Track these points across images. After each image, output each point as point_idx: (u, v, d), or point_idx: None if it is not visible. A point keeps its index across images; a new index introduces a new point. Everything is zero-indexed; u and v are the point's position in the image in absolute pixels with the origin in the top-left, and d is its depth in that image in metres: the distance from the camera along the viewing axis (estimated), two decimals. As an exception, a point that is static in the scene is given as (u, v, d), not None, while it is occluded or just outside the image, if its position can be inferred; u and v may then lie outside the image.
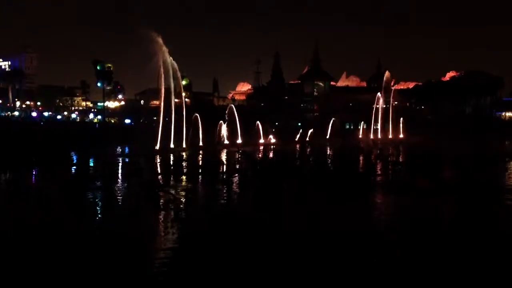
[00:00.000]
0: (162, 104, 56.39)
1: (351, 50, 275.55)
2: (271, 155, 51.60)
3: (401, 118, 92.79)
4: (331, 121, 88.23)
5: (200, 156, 47.13)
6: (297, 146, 67.98)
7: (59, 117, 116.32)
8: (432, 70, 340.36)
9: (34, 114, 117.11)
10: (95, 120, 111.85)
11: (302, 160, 46.27)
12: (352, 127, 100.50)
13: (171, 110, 56.95)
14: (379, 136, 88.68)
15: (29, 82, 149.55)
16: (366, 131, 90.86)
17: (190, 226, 18.15)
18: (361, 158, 46.86)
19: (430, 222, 19.06)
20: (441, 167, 37.70)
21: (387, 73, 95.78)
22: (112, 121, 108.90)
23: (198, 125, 61.98)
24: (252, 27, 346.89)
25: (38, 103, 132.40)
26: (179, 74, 58.25)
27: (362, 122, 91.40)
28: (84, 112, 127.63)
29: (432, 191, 25.08)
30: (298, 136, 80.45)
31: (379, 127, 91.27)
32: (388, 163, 40.18)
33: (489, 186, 28.71)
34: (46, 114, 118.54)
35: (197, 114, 61.63)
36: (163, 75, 55.08)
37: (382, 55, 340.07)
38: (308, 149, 61.47)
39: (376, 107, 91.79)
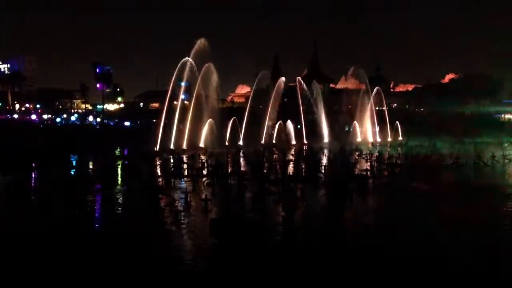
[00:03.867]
0: (165, 106, 60.26)
1: (350, 53, 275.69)
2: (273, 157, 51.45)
3: (400, 120, 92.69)
4: (327, 123, 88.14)
5: (200, 157, 47.02)
6: (294, 148, 67.90)
7: (58, 119, 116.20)
8: (432, 72, 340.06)
9: (33, 116, 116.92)
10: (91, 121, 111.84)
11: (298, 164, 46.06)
12: (351, 129, 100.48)
13: (173, 112, 59.48)
14: (378, 138, 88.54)
15: (29, 85, 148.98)
16: (365, 133, 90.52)
17: (190, 230, 18.19)
18: (360, 160, 46.82)
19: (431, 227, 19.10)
20: (440, 169, 37.75)
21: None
22: (111, 123, 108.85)
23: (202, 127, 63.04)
24: (252, 29, 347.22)
25: (38, 106, 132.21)
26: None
27: (355, 122, 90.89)
28: (84, 115, 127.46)
29: (431, 194, 25.11)
30: (294, 138, 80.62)
31: (377, 129, 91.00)
32: (387, 165, 40.18)
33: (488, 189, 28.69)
34: (45, 116, 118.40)
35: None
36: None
37: (381, 57, 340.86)
38: (305, 152, 61.35)
39: (377, 109, 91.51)
